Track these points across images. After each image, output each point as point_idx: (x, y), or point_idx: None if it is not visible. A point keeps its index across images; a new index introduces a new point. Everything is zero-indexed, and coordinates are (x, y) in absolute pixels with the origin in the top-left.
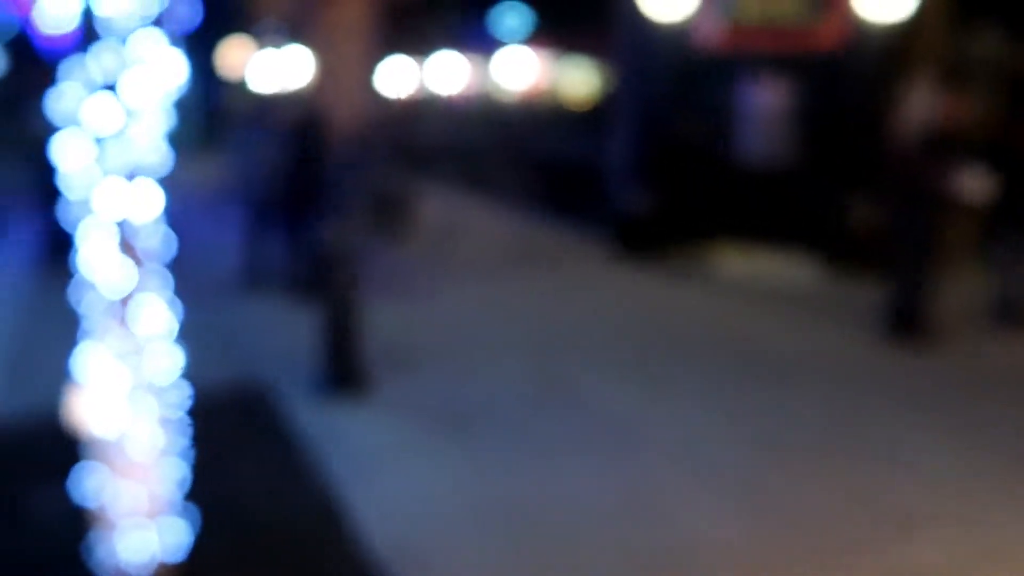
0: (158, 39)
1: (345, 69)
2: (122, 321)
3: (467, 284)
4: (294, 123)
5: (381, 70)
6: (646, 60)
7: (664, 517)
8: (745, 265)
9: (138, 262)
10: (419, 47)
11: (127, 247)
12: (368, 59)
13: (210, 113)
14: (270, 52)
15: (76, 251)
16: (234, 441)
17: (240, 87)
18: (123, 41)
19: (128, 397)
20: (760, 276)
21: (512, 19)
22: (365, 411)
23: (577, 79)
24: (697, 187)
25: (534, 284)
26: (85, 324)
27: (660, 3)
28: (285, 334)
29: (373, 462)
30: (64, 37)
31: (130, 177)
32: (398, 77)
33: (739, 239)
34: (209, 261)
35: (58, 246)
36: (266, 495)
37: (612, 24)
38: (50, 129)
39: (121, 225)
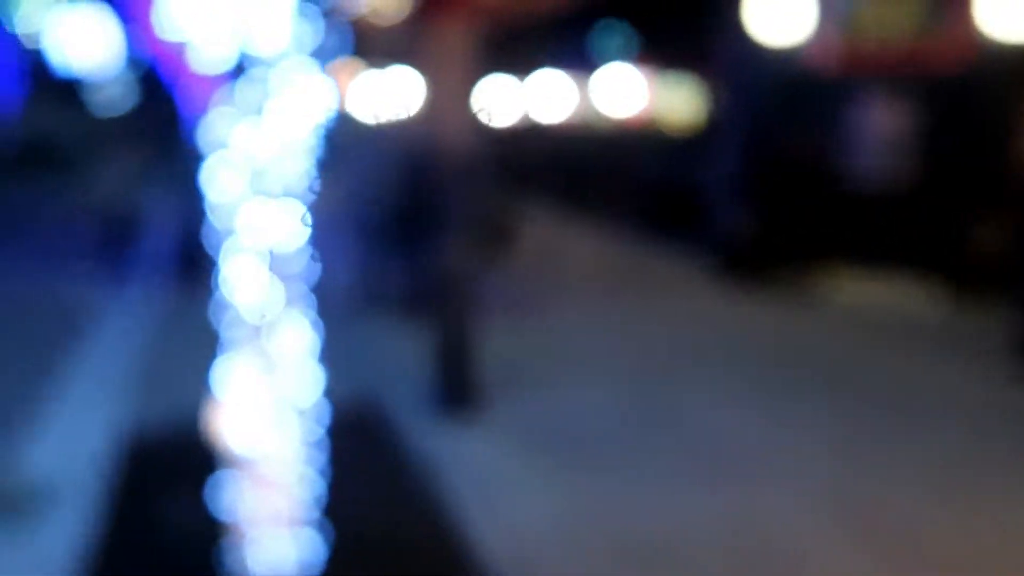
0: (308, 68)
1: (450, 92)
2: (261, 339)
3: (572, 306)
4: (406, 146)
5: (484, 93)
6: (753, 78)
7: (783, 552)
8: (859, 291)
9: (279, 283)
10: (521, 69)
11: (270, 269)
12: (472, 82)
13: (323, 136)
14: (377, 76)
15: (219, 270)
16: (353, 457)
17: (350, 111)
18: (274, 70)
19: (264, 413)
20: (875, 303)
21: (613, 39)
22: (479, 430)
23: (678, 99)
24: (806, 209)
25: (639, 307)
26: (226, 340)
27: (769, 19)
28: (399, 353)
29: (489, 482)
30: (217, 67)
31: (275, 201)
32: (500, 99)
33: (852, 263)
34: (324, 280)
35: (197, 264)
36: (384, 512)
37: (717, 42)
38: (193, 155)
39: (265, 248)
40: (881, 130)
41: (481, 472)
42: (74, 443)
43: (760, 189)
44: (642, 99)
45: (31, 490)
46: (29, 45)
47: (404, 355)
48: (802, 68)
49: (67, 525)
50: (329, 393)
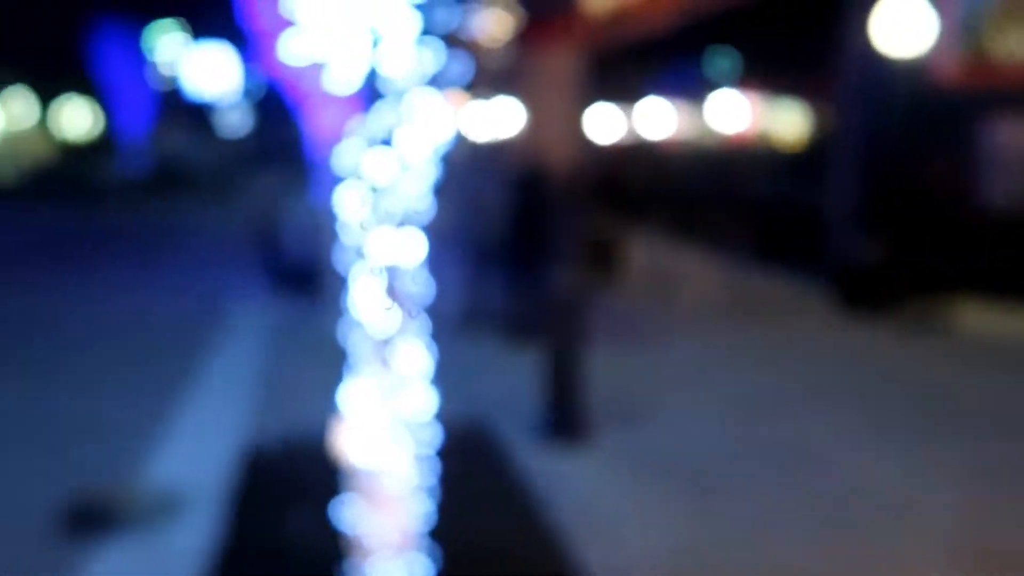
0: (432, 95)
1: (556, 116)
2: (382, 358)
3: (681, 332)
4: (515, 169)
5: (590, 117)
6: (875, 98)
7: None
8: (990, 321)
9: (400, 304)
10: (627, 93)
11: (392, 290)
12: (578, 106)
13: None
14: (488, 104)
15: (339, 288)
16: (463, 480)
17: (464, 137)
18: (397, 96)
19: (384, 431)
20: (1009, 334)
21: (721, 63)
22: (586, 459)
23: (789, 122)
24: (933, 234)
25: (752, 336)
26: (345, 356)
27: (894, 37)
28: (505, 376)
29: (599, 512)
30: (341, 91)
31: (399, 225)
32: (606, 124)
33: (983, 292)
34: (438, 301)
35: (317, 281)
36: (495, 537)
37: (835, 62)
38: (315, 176)
39: (387, 269)
40: (1014, 149)
41: (591, 501)
42: (201, 453)
43: (883, 212)
44: (752, 121)
45: (160, 499)
46: (161, 75)
47: (514, 378)
48: (929, 83)
49: (194, 534)
50: (441, 413)
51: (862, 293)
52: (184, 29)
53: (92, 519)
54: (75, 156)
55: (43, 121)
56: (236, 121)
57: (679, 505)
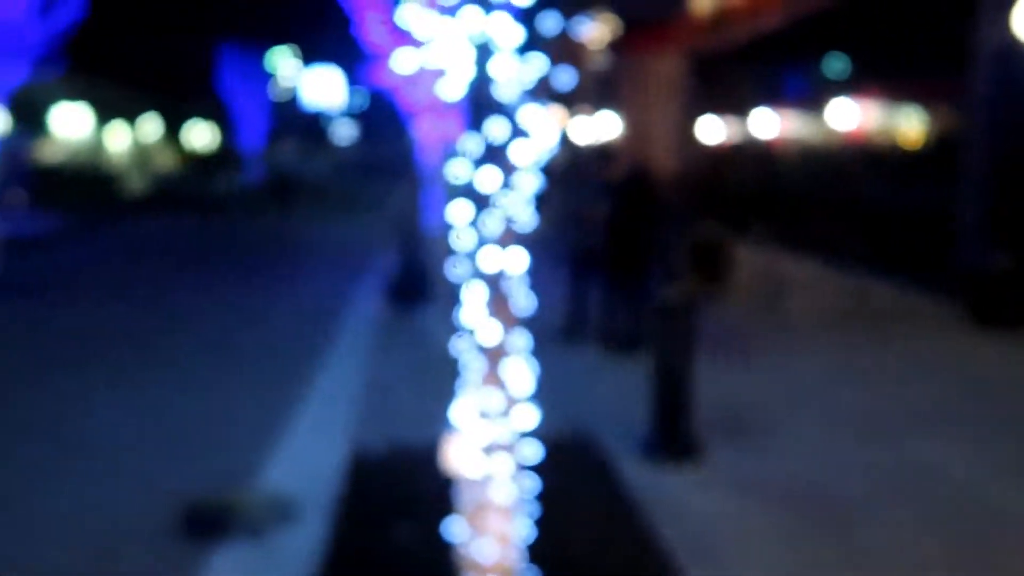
0: (537, 105)
1: (660, 122)
2: (488, 370)
3: (795, 346)
4: (620, 178)
5: (694, 120)
6: (1008, 98)
7: None
8: None
9: (508, 317)
10: (733, 95)
11: (500, 303)
12: (682, 111)
13: (545, 173)
14: (585, 110)
15: (445, 298)
16: (567, 496)
17: (568, 148)
18: (507, 108)
19: (489, 443)
20: None
21: (834, 63)
22: (696, 479)
23: (906, 127)
24: None
25: (874, 349)
26: (457, 369)
27: None
28: (607, 389)
29: (711, 538)
30: (451, 104)
31: (504, 235)
32: (711, 125)
33: None
34: (543, 312)
35: (424, 291)
36: (600, 555)
37: (960, 61)
38: (424, 185)
39: (495, 281)
40: None
41: (703, 523)
42: (311, 459)
43: (1015, 220)
44: (868, 122)
45: (273, 505)
46: (276, 93)
47: (618, 390)
48: None
49: (305, 540)
50: (545, 426)
51: (991, 305)
52: (297, 53)
53: (209, 523)
54: (198, 168)
55: (171, 136)
56: (345, 134)
57: (810, 538)
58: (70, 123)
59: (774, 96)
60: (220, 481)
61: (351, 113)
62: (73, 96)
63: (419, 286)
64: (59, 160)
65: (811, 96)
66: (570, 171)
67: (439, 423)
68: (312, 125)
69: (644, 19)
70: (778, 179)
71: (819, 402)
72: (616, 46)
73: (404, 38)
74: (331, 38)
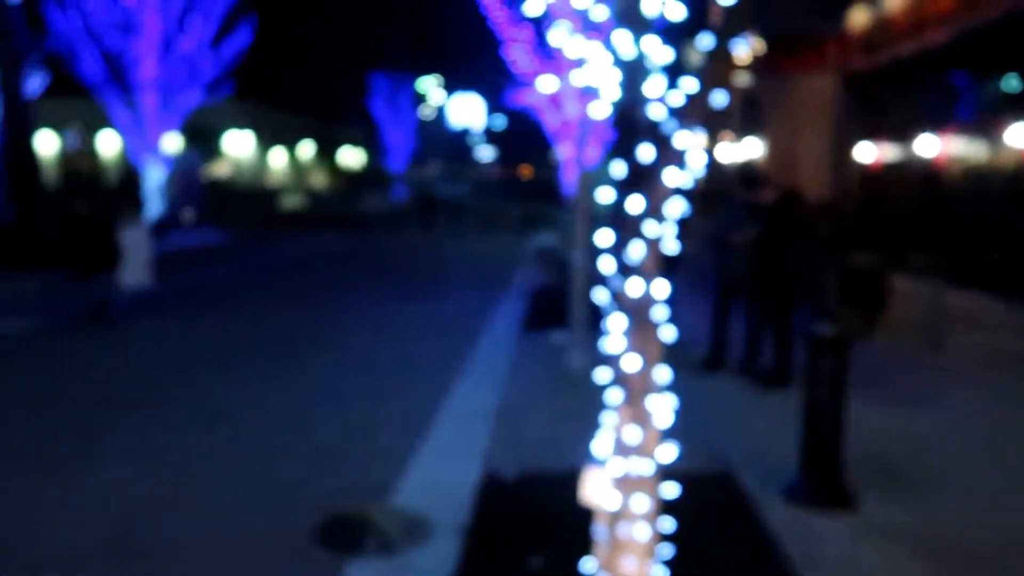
0: (685, 127)
1: (813, 143)
2: (632, 403)
3: (958, 387)
4: (769, 202)
5: (849, 145)
6: None
7: None
8: None
9: (651, 347)
10: (893, 119)
11: (642, 331)
12: (837, 131)
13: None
14: (733, 132)
15: (599, 326)
16: (707, 538)
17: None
18: (659, 132)
19: (629, 480)
20: None
21: (1009, 84)
22: (847, 527)
23: None
24: None
25: None
26: (594, 397)
27: None
28: (749, 424)
29: None
30: (598, 125)
31: (649, 262)
32: (868, 152)
33: None
34: (686, 341)
35: (559, 312)
36: None
37: None
38: (567, 206)
39: (638, 308)
40: None
41: None
42: (445, 479)
43: None
44: None
45: (407, 522)
46: (422, 117)
47: (762, 427)
48: None
49: (437, 561)
50: (684, 462)
51: None
52: (441, 82)
53: (345, 534)
54: (349, 187)
55: (324, 156)
56: (484, 155)
57: None
58: (237, 145)
59: (938, 115)
60: (355, 493)
61: (490, 136)
62: (240, 121)
63: (558, 309)
64: (227, 179)
65: (982, 115)
66: (713, 195)
67: (571, 451)
68: (456, 146)
69: (795, 36)
70: (942, 203)
71: (985, 450)
72: (762, 65)
73: (549, 61)
74: (472, 66)
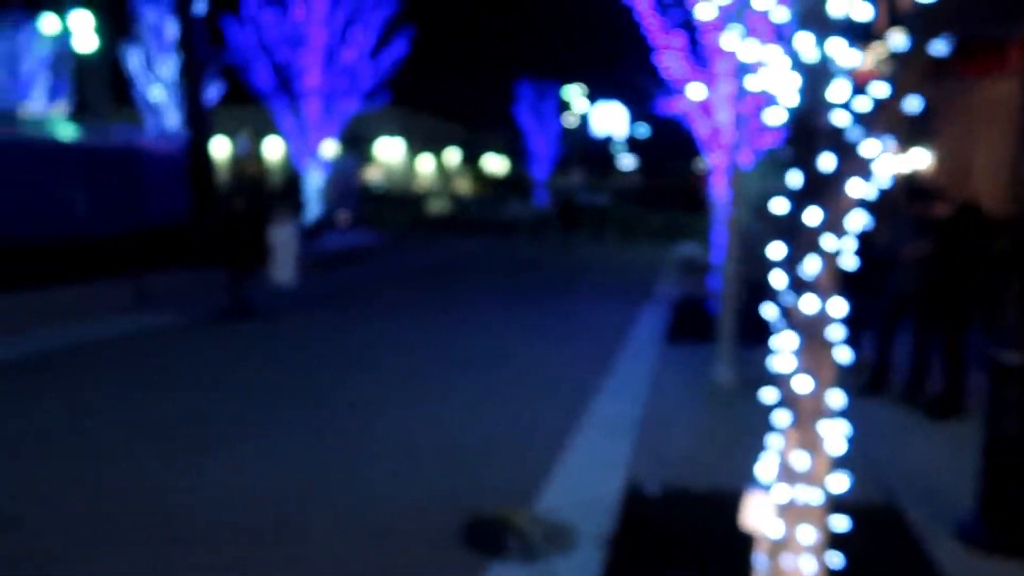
0: (878, 139)
1: (989, 156)
2: (800, 427)
3: None
4: (947, 215)
5: None
6: None
7: None
8: None
9: (824, 368)
10: None
11: (815, 351)
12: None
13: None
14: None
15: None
16: (871, 574)
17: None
18: (841, 140)
19: (795, 509)
20: None
21: None
22: None
23: None
24: None
25: None
26: (749, 414)
27: None
28: (917, 455)
29: None
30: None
31: (825, 277)
32: None
33: None
34: (859, 360)
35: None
36: None
37: None
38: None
39: (812, 326)
40: None
41: None
42: (588, 489)
43: None
44: None
45: (550, 529)
46: (565, 125)
47: (931, 458)
48: None
49: (577, 571)
50: (852, 490)
51: None
52: (585, 90)
53: (488, 537)
54: (493, 193)
55: (469, 162)
56: (626, 164)
57: None
58: (388, 151)
59: None
60: (498, 497)
61: (632, 145)
62: (391, 128)
63: (702, 321)
64: (379, 183)
65: None
66: (875, 208)
67: (716, 470)
68: (599, 154)
69: (972, 40)
70: None
71: None
72: (936, 70)
73: (701, 67)
74: (617, 74)
